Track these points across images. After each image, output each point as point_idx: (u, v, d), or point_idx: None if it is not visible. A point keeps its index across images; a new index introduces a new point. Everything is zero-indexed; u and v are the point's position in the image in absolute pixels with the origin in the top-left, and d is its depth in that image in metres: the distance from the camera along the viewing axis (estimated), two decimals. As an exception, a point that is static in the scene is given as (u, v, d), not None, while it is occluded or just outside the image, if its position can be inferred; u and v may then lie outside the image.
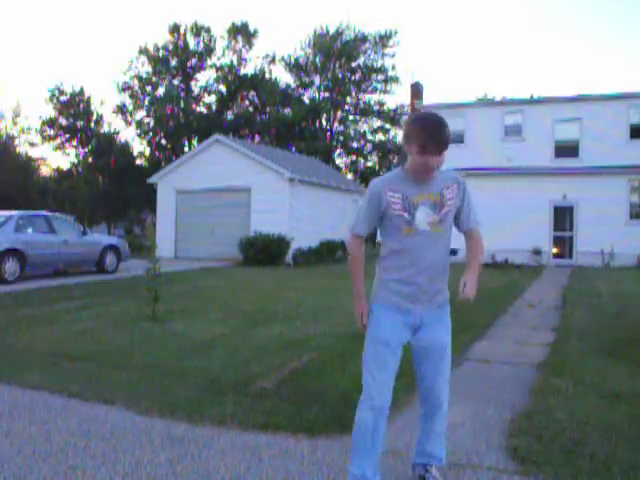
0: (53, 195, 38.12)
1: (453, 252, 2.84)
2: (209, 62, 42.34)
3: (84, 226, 14.44)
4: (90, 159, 38.76)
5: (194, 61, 41.71)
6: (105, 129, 40.52)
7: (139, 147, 51.29)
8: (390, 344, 2.53)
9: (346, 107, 44.45)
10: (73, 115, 39.17)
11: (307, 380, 4.38)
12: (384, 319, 2.54)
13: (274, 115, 41.13)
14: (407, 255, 2.48)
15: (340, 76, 42.92)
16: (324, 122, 43.88)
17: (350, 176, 42.13)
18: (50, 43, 68.67)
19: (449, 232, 2.54)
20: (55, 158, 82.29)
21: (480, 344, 5.97)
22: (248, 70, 42.97)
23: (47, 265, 12.71)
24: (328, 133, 43.66)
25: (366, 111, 43.99)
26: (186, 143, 41.12)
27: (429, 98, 34.98)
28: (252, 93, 42.80)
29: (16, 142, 40.44)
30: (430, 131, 2.32)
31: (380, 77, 43.49)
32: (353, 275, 2.62)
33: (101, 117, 40.65)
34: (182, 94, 41.17)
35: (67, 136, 39.63)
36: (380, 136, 44.96)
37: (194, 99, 41.97)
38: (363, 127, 45.26)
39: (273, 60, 43.32)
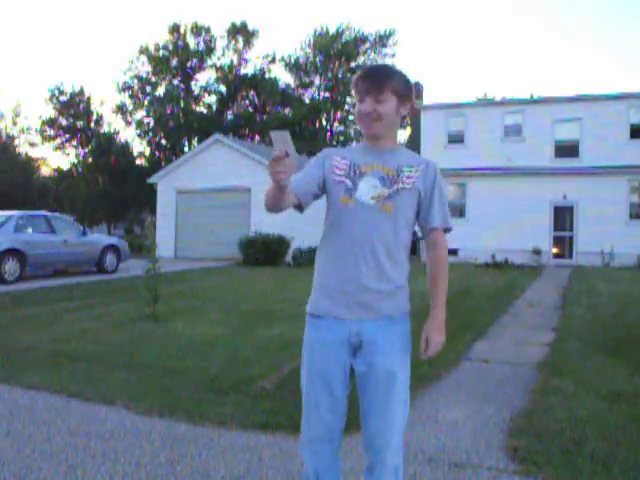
0: (53, 195, 38.13)
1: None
2: (209, 62, 42.31)
3: (84, 226, 14.45)
4: (90, 159, 38.74)
5: (194, 61, 41.66)
6: (105, 129, 40.52)
7: (139, 147, 51.33)
8: (322, 374, 1.95)
9: (346, 107, 44.41)
10: (73, 115, 39.15)
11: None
12: (311, 336, 2.00)
13: (274, 115, 41.12)
14: (340, 233, 1.95)
15: (340, 76, 42.89)
16: (324, 122, 43.85)
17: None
18: (50, 43, 68.78)
19: (404, 219, 1.94)
20: (55, 158, 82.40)
21: (480, 344, 5.97)
22: (248, 70, 42.97)
23: (47, 265, 12.72)
24: (328, 133, 43.64)
25: (366, 111, 43.91)
26: (186, 143, 41.08)
27: (429, 98, 34.98)
28: (252, 93, 42.79)
29: (16, 142, 40.52)
30: (361, 71, 1.99)
31: (380, 77, 43.51)
32: (266, 199, 1.87)
33: (101, 117, 40.65)
34: (182, 94, 41.11)
35: (67, 136, 39.61)
36: (380, 136, 44.91)
37: (194, 99, 41.93)
38: (363, 127, 45.26)
39: (273, 60, 43.30)
